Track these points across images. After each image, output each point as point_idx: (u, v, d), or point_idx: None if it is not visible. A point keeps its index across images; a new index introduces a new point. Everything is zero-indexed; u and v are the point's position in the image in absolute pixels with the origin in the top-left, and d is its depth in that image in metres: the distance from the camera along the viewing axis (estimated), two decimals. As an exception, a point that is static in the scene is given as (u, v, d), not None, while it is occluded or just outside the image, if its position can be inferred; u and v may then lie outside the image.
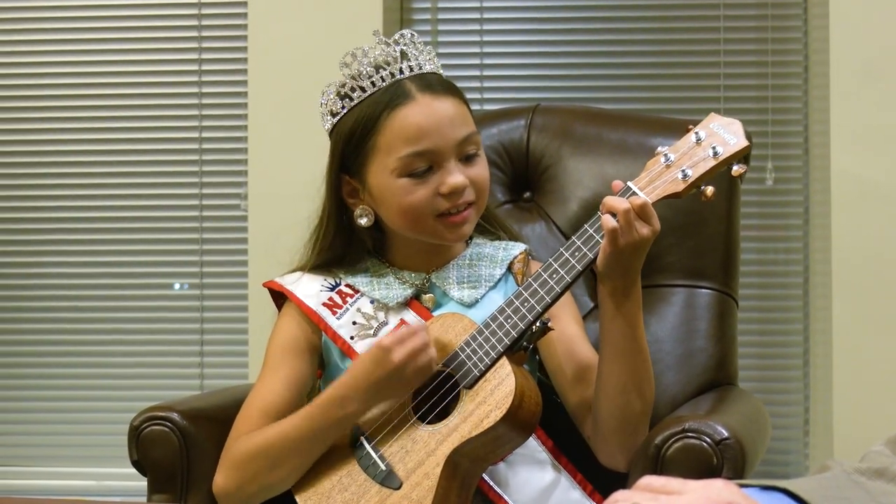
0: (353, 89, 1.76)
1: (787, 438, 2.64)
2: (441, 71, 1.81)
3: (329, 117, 1.80)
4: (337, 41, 1.81)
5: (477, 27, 2.72)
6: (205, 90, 2.76)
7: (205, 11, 2.75)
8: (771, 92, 2.65)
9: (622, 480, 1.69)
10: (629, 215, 1.57)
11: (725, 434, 1.59)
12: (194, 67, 2.76)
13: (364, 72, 1.75)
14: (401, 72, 1.75)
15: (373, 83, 1.75)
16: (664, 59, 2.70)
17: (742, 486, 1.01)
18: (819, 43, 2.57)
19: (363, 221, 1.79)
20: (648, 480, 1.01)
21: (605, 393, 1.68)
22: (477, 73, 2.71)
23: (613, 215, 1.58)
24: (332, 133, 1.81)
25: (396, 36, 1.77)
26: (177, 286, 2.78)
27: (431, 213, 1.74)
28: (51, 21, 2.81)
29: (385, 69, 1.75)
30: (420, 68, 1.77)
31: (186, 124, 2.77)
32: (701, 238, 2.02)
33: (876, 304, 2.46)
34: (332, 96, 1.79)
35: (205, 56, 2.75)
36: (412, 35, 1.79)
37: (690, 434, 1.60)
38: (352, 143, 1.77)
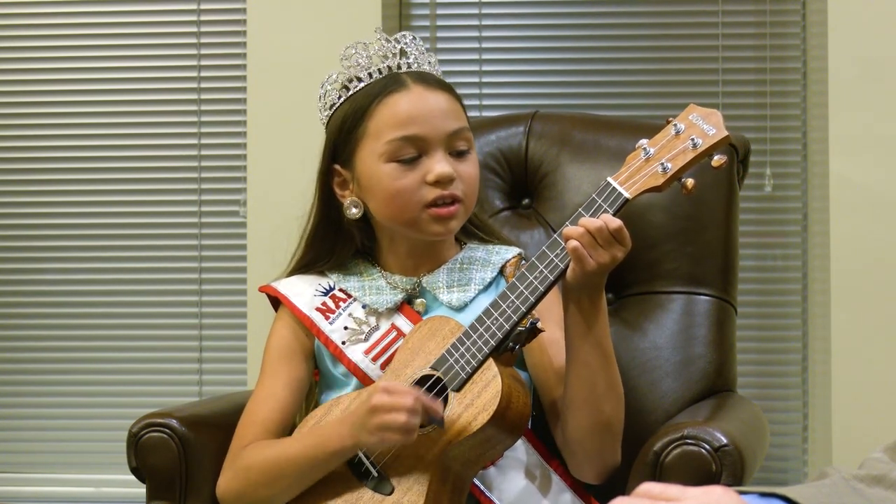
0: (350, 80, 1.78)
1: (786, 445, 2.64)
2: (439, 74, 1.82)
3: (326, 110, 1.81)
4: (336, 49, 1.81)
5: (476, 34, 2.72)
6: (204, 97, 2.75)
7: (203, 18, 2.75)
8: (769, 98, 2.64)
9: (620, 486, 1.69)
10: (585, 238, 1.57)
11: (724, 441, 1.59)
12: (193, 74, 2.75)
13: (362, 63, 1.77)
14: (398, 67, 1.78)
15: (370, 74, 1.77)
16: (662, 66, 2.70)
17: (741, 492, 1.01)
18: (817, 49, 2.57)
19: (353, 212, 1.78)
20: (647, 487, 1.01)
21: (572, 402, 1.67)
22: (476, 79, 2.71)
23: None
24: (327, 125, 1.82)
25: (398, 35, 1.79)
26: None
27: (418, 201, 1.73)
28: (48, 28, 2.80)
29: (383, 62, 1.77)
30: (419, 67, 1.79)
31: (185, 131, 2.77)
32: (699, 245, 2.02)
33: (875, 311, 2.46)
34: (328, 87, 1.80)
35: (204, 63, 2.75)
36: (413, 37, 1.81)
37: (689, 441, 1.60)
38: (343, 132, 1.78)
